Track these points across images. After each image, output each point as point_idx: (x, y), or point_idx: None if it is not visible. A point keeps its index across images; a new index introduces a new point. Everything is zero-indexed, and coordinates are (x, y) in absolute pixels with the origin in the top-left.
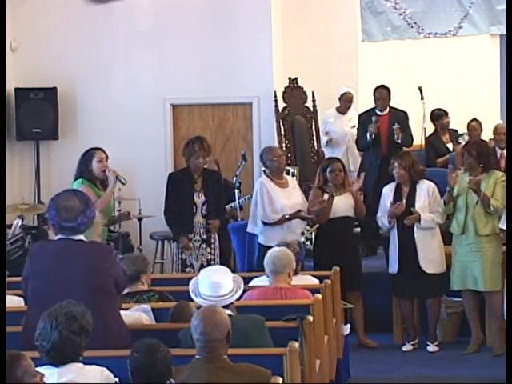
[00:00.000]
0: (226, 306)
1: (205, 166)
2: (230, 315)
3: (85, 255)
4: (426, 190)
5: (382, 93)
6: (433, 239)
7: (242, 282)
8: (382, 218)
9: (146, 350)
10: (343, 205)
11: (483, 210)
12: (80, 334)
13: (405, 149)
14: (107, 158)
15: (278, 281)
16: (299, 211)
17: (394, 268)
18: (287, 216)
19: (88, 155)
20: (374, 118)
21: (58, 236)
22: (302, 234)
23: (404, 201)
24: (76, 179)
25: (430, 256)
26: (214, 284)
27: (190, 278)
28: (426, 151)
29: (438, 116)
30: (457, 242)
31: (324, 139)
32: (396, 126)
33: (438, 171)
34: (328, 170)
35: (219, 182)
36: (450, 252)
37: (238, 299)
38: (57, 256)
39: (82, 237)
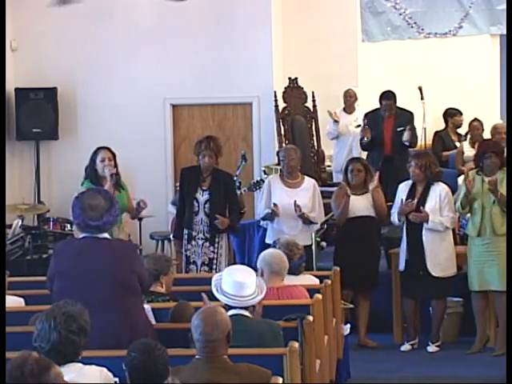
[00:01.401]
0: (245, 308)
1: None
2: (247, 317)
3: (109, 253)
4: (438, 193)
5: (389, 105)
6: (441, 242)
7: (265, 285)
8: (395, 214)
9: (143, 349)
10: (365, 204)
11: (500, 209)
12: (79, 333)
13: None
14: (114, 156)
15: (274, 281)
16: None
17: (401, 266)
18: (269, 211)
19: (94, 155)
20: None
21: (83, 234)
22: (316, 233)
23: (416, 200)
24: (84, 179)
25: (437, 259)
26: (238, 284)
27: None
28: (432, 144)
29: (452, 114)
30: (472, 243)
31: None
32: (407, 128)
33: (445, 172)
34: (349, 169)
35: (228, 181)
36: (462, 252)
37: None
38: (81, 254)
39: (106, 235)
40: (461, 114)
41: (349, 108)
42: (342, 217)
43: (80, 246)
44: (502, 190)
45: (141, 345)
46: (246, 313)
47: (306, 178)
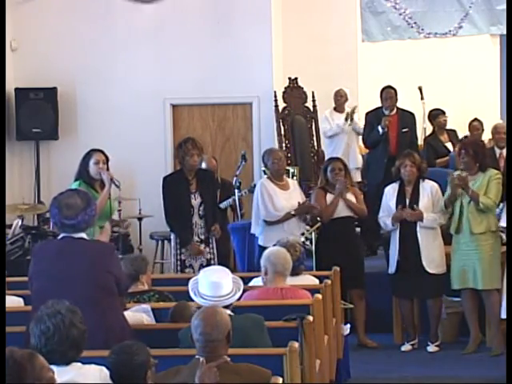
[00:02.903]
0: (226, 307)
1: (199, 166)
2: (229, 315)
3: (86, 253)
4: (429, 190)
5: (390, 92)
6: (434, 239)
7: (242, 284)
8: (385, 218)
9: (118, 351)
10: (345, 204)
11: (476, 208)
12: (80, 331)
13: None
14: (107, 159)
15: (279, 281)
16: (304, 203)
17: (392, 268)
18: (292, 212)
19: (87, 157)
20: (386, 111)
21: (61, 235)
22: (302, 234)
23: (407, 200)
24: (75, 180)
25: (431, 256)
26: (214, 284)
27: (190, 278)
28: (425, 151)
29: (435, 115)
30: (455, 242)
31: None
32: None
33: (438, 171)
34: (328, 169)
35: (212, 180)
36: (449, 252)
37: (238, 299)
38: (58, 255)
39: (83, 235)
40: (444, 113)
41: (339, 108)
42: (328, 215)
43: (57, 247)
44: (482, 191)
45: (118, 347)
46: (228, 311)
47: (288, 178)
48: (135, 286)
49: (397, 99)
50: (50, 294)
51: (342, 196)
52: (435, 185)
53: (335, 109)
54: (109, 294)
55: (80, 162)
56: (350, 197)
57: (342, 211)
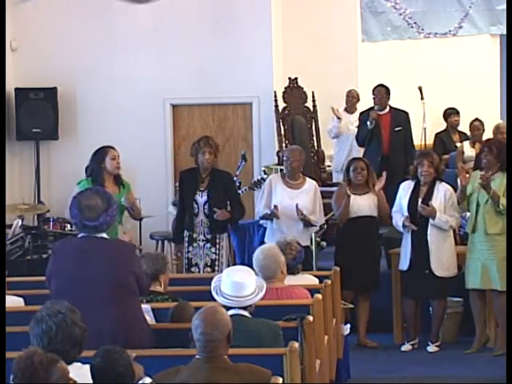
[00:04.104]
0: (245, 307)
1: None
2: (246, 317)
3: (107, 253)
4: (443, 192)
5: (380, 91)
6: (445, 241)
7: (265, 285)
8: (397, 217)
9: (101, 354)
10: (367, 204)
11: (493, 208)
12: (81, 330)
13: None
14: (118, 155)
15: (271, 282)
16: (276, 207)
17: (403, 265)
18: (269, 213)
19: (100, 154)
20: (376, 107)
21: (81, 234)
22: (316, 233)
23: (420, 200)
24: (87, 177)
25: (441, 259)
26: (237, 284)
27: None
28: (434, 146)
29: (449, 114)
30: (471, 241)
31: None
32: None
33: (445, 172)
34: (351, 169)
35: (228, 181)
36: (462, 252)
37: None
38: (79, 254)
39: (104, 235)
40: (457, 113)
41: (350, 108)
42: (343, 217)
43: (78, 246)
44: (500, 192)
45: (100, 350)
46: (245, 313)
47: (308, 179)
48: (153, 286)
49: (388, 98)
50: (70, 293)
51: (349, 199)
52: (450, 189)
53: (345, 109)
54: (129, 294)
55: (91, 159)
56: (372, 196)
57: (363, 211)
